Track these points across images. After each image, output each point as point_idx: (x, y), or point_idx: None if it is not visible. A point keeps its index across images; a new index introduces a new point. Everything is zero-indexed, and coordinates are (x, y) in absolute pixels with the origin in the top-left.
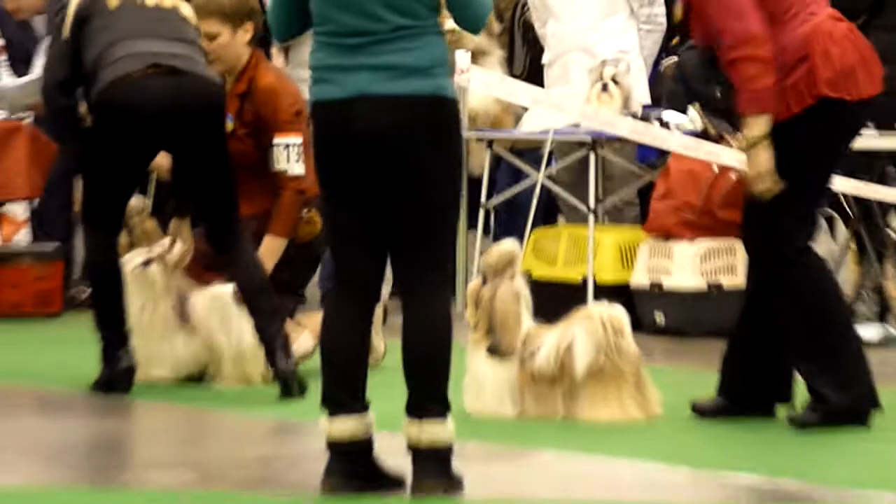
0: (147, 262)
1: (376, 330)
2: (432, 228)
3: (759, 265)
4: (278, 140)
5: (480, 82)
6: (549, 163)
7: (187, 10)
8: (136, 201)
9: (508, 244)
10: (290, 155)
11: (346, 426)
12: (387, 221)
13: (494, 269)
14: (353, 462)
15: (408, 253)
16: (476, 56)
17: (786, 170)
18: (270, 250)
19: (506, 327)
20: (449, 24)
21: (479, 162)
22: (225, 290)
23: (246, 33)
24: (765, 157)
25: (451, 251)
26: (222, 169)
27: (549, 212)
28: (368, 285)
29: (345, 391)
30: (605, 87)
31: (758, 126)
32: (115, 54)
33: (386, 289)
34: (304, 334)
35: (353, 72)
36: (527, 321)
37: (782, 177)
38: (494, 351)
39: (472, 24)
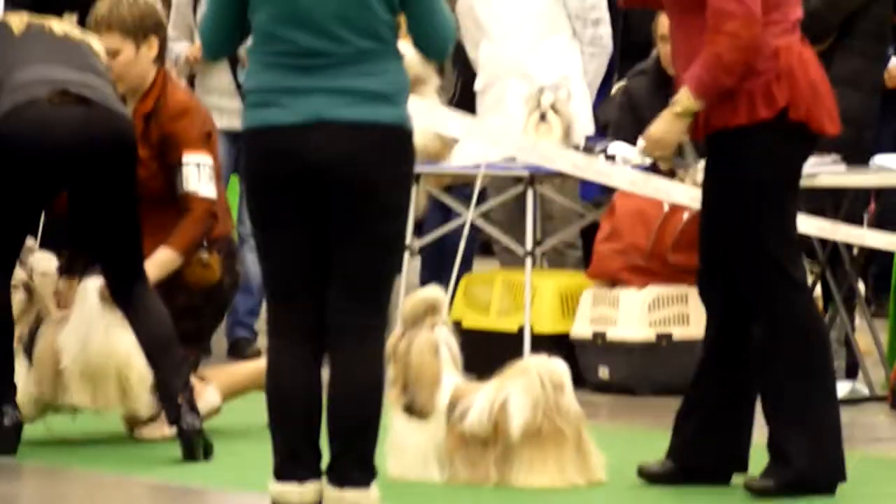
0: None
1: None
2: (379, 266)
3: (721, 314)
4: (189, 158)
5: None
6: (481, 200)
7: (97, 46)
8: (43, 260)
9: (428, 291)
10: (202, 174)
11: (305, 490)
12: (331, 257)
13: (412, 319)
14: None
15: (349, 291)
16: (411, 84)
17: (747, 186)
18: (161, 262)
19: (421, 383)
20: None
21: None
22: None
23: (150, 49)
24: (679, 129)
25: (390, 295)
26: (130, 213)
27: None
28: (315, 326)
29: (306, 446)
30: (543, 117)
31: (693, 103)
32: (18, 79)
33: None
34: (210, 389)
35: (306, 95)
36: (453, 376)
37: (744, 193)
38: (410, 409)
39: (435, 51)
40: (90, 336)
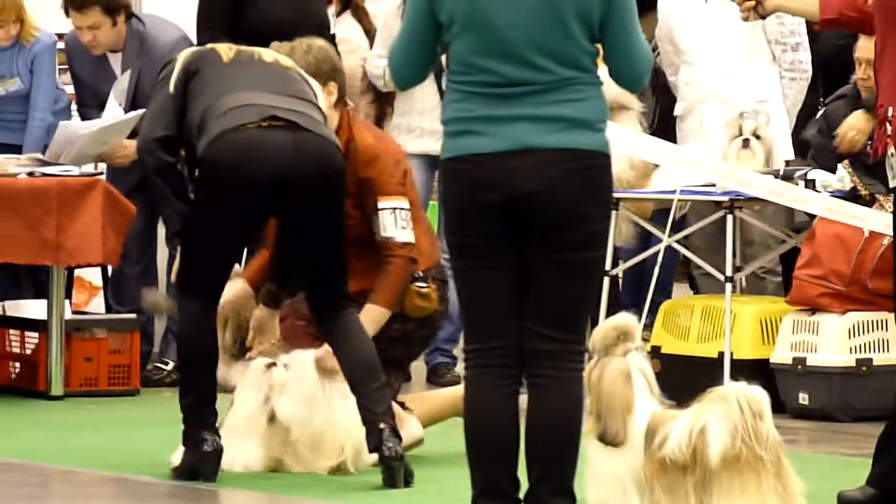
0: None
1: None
2: (580, 293)
3: None
4: (384, 204)
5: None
6: (681, 226)
7: (305, 74)
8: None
9: (619, 317)
10: (398, 220)
11: None
12: (529, 284)
13: (603, 347)
14: None
15: (550, 318)
16: (612, 111)
17: None
18: (372, 321)
19: (613, 411)
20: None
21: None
22: (307, 357)
23: (330, 95)
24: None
25: (588, 321)
26: (338, 238)
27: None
28: (513, 356)
29: (504, 479)
30: (746, 143)
31: None
32: (227, 104)
33: None
34: (413, 420)
35: (510, 122)
36: (648, 403)
37: None
38: (603, 438)
39: (631, 81)
40: (313, 408)
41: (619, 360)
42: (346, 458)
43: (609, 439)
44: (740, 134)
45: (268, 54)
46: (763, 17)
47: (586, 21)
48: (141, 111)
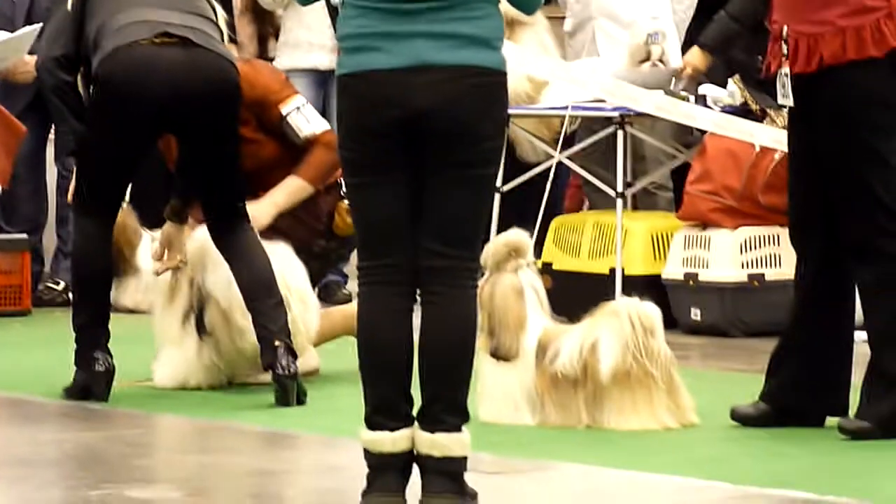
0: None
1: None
2: (475, 209)
3: (818, 257)
4: (286, 108)
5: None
6: (572, 142)
7: None
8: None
9: (510, 234)
10: (307, 116)
11: (398, 437)
12: (425, 202)
13: (495, 263)
14: (400, 477)
15: (444, 235)
16: (514, 26)
17: (855, 126)
18: (292, 190)
19: (506, 327)
20: None
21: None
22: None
23: None
24: None
25: (482, 238)
26: (234, 154)
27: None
28: (406, 273)
29: (398, 396)
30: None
31: None
32: (120, 21)
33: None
34: (311, 351)
35: (407, 39)
36: (540, 319)
37: (851, 133)
38: (496, 354)
39: (527, 3)
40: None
41: (510, 276)
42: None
43: (502, 354)
44: (648, 59)
45: None
46: None
47: None
48: (37, 26)
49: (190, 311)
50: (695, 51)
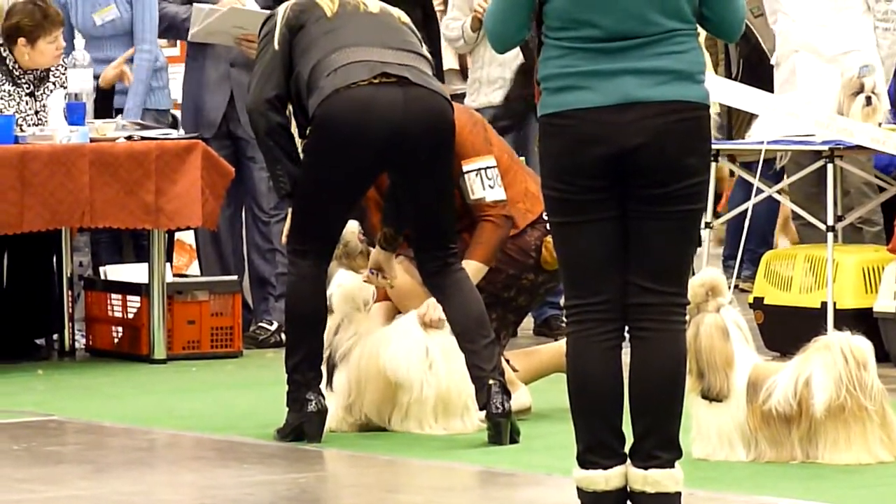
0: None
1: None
2: (683, 245)
3: None
4: (469, 166)
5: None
6: (780, 177)
7: (406, 18)
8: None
9: (706, 274)
10: (485, 180)
11: (611, 475)
12: (633, 238)
13: (695, 305)
14: None
15: (654, 271)
16: None
17: None
18: (468, 275)
19: (714, 367)
20: None
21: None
22: (411, 321)
23: None
24: None
25: (689, 273)
26: (448, 193)
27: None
28: (617, 311)
29: (610, 433)
30: (868, 101)
31: None
32: (337, 61)
33: None
34: (522, 389)
35: (613, 77)
36: (749, 355)
37: None
38: (707, 395)
39: (731, 29)
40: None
41: (713, 315)
42: (463, 418)
43: (713, 395)
44: (861, 90)
45: (373, 4)
46: None
47: None
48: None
49: (326, 358)
50: None
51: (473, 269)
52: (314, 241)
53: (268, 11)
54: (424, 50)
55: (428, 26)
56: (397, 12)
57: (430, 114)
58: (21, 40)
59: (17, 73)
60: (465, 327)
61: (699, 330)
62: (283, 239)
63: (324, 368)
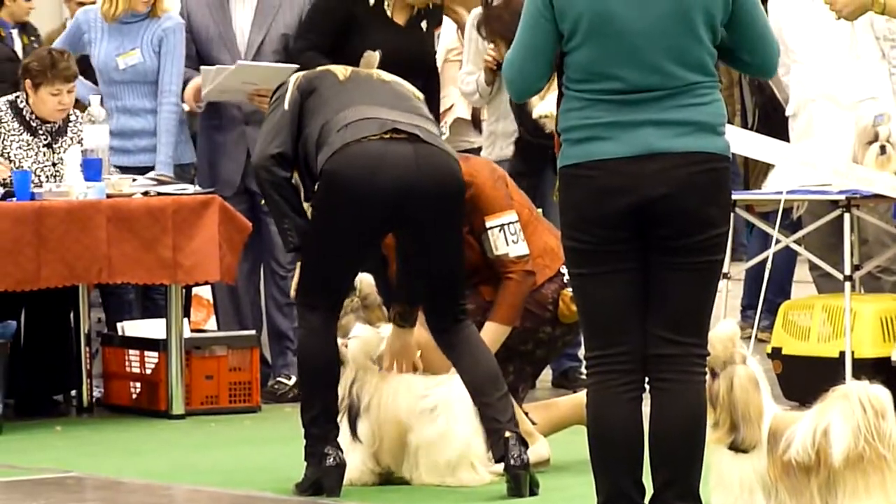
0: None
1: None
2: (704, 297)
3: None
4: (492, 222)
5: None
6: (797, 227)
7: (420, 94)
8: (367, 277)
9: (724, 327)
10: (508, 235)
11: None
12: (654, 289)
13: (722, 360)
14: None
15: (674, 322)
16: None
17: None
18: (492, 338)
19: (748, 419)
20: None
21: None
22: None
23: None
24: None
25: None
26: (458, 250)
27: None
28: (637, 363)
29: (630, 485)
30: (882, 149)
31: None
32: (347, 118)
33: None
34: (541, 441)
35: (635, 128)
36: (771, 406)
37: None
38: (737, 447)
39: (766, 66)
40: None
41: (744, 367)
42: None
43: (745, 447)
44: (876, 139)
45: (385, 74)
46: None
47: (711, 24)
48: (294, 66)
49: (344, 408)
50: None
51: (497, 331)
52: (324, 294)
53: (278, 65)
54: (432, 119)
55: (429, 87)
56: (409, 85)
57: (441, 172)
58: (27, 82)
59: (34, 124)
60: (478, 383)
61: (733, 382)
62: (293, 293)
63: (345, 420)
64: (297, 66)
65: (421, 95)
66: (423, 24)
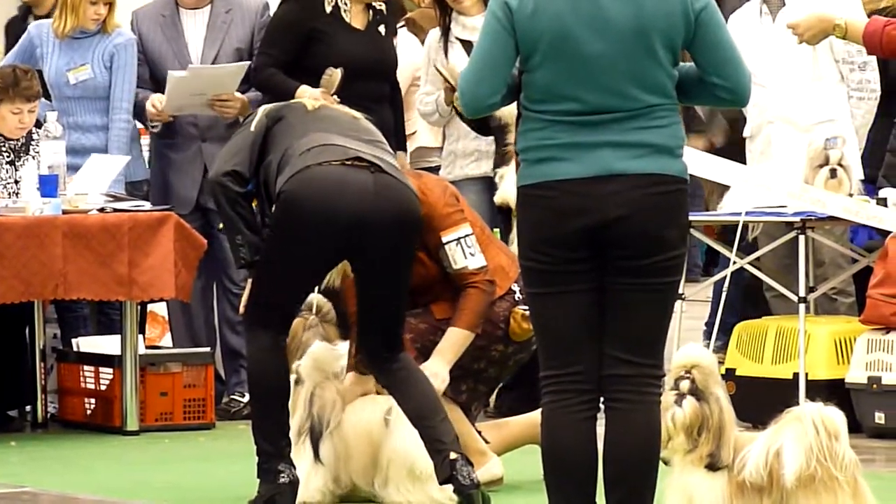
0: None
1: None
2: (659, 318)
3: None
4: (448, 237)
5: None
6: (753, 248)
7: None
8: (320, 298)
9: (701, 352)
10: (465, 249)
11: None
12: (609, 310)
13: (702, 385)
14: None
15: (630, 343)
16: None
17: None
18: (454, 344)
19: (727, 439)
20: None
21: None
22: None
23: None
24: None
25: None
26: (405, 282)
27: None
28: (592, 383)
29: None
30: (833, 173)
31: None
32: (311, 142)
33: None
34: (494, 460)
35: (594, 149)
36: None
37: None
38: (714, 466)
39: (740, 93)
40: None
41: (721, 391)
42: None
43: (721, 465)
44: (826, 163)
45: (354, 111)
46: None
47: (671, 47)
48: (246, 63)
49: (305, 429)
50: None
51: (461, 336)
52: (274, 313)
53: (231, 65)
54: (394, 154)
55: (393, 98)
56: (374, 128)
57: (399, 204)
58: None
59: None
60: (419, 408)
61: (722, 405)
62: (241, 309)
63: (307, 442)
64: (254, 67)
65: (383, 139)
66: (381, 29)
